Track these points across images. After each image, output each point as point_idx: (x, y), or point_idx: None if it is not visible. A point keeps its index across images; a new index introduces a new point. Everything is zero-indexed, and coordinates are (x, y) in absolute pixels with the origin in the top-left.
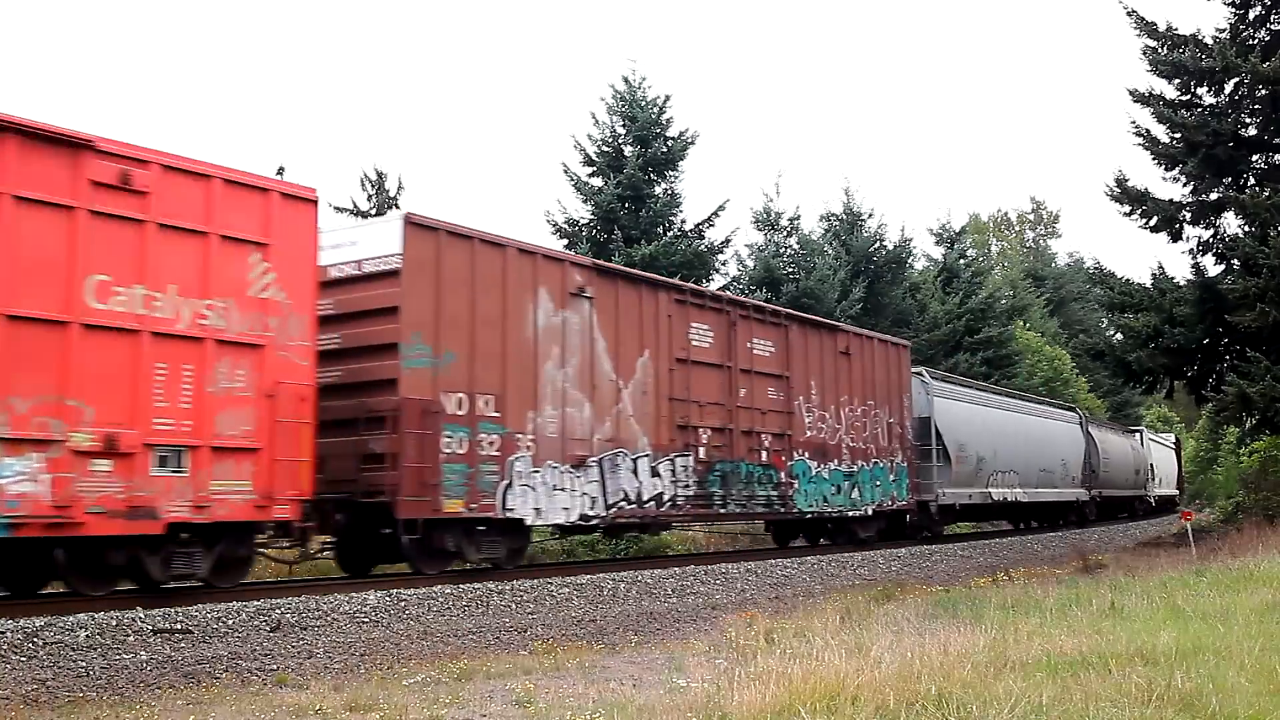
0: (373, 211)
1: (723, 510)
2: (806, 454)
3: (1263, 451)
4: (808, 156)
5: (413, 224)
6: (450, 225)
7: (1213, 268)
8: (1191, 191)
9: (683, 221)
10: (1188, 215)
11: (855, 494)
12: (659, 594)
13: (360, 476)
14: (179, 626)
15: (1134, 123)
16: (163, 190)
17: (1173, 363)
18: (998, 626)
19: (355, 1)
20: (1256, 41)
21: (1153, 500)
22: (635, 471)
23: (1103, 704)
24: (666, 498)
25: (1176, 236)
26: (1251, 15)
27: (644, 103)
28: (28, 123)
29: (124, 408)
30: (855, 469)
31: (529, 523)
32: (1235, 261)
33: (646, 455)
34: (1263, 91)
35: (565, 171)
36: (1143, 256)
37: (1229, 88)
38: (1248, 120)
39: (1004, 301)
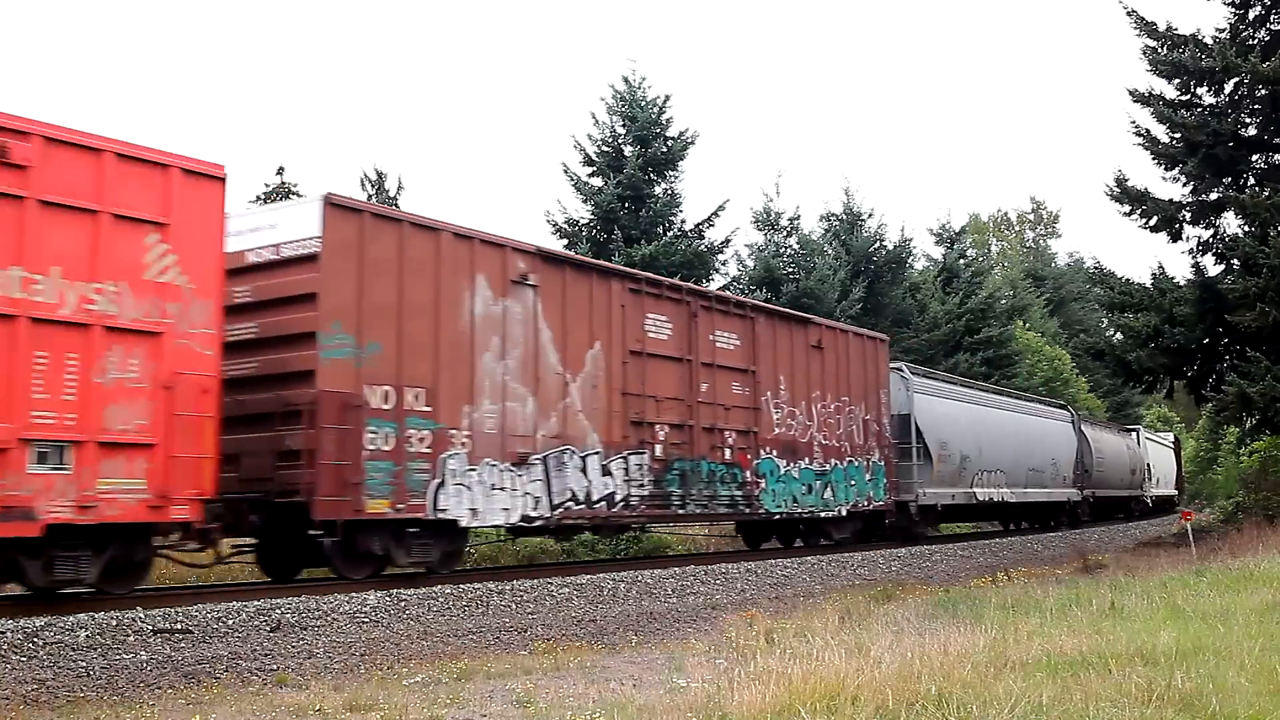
0: None
1: (682, 511)
2: (774, 452)
3: (1263, 451)
4: (808, 156)
5: (333, 205)
6: (376, 207)
7: (1213, 268)
8: (1191, 191)
9: (683, 221)
10: (1188, 215)
11: (828, 494)
12: (659, 594)
13: (276, 475)
14: (179, 626)
15: (1134, 123)
16: (46, 165)
17: (1173, 362)
18: (998, 626)
19: (355, 1)
20: (1256, 41)
21: (1150, 500)
22: (584, 470)
23: (1103, 704)
24: (619, 498)
25: (1176, 236)
26: (1251, 15)
27: (644, 103)
28: None
29: None
30: (828, 468)
31: (464, 524)
32: (1235, 261)
33: (597, 453)
34: (1263, 91)
35: (565, 171)
36: (1143, 256)
37: (1229, 88)
38: (1248, 120)
39: (1004, 301)
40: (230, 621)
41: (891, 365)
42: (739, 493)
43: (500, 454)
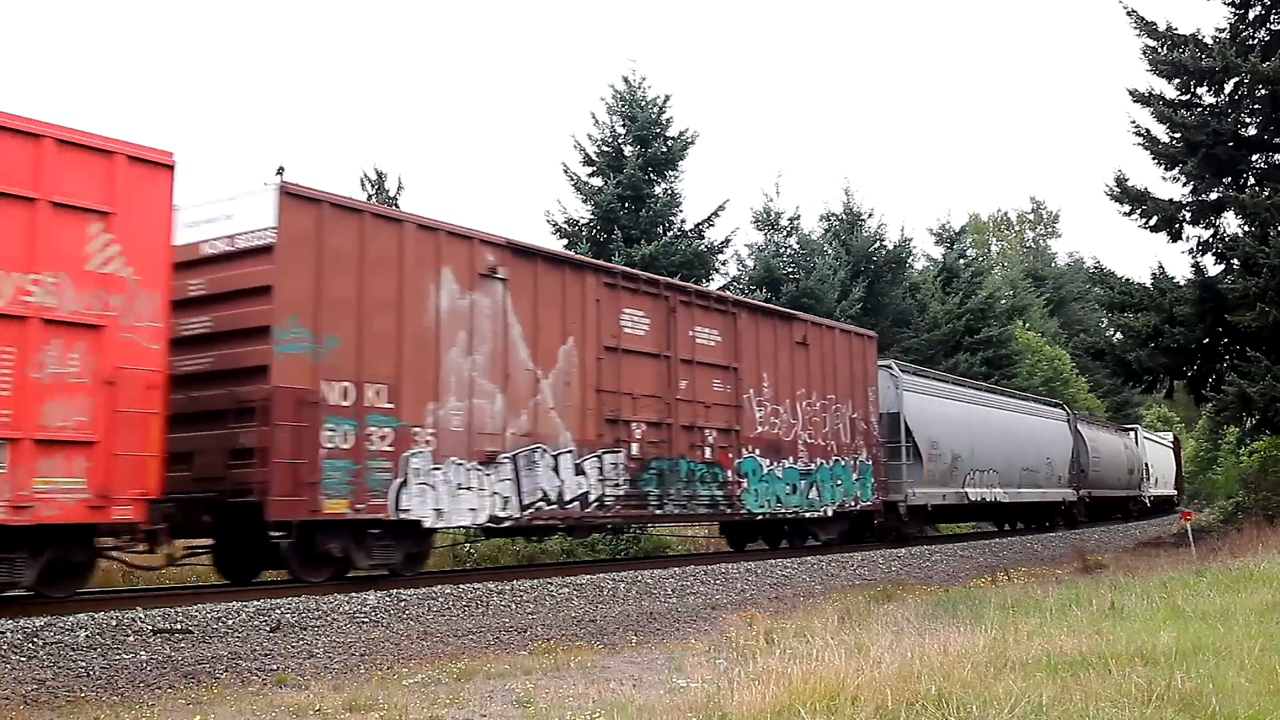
0: None
1: (659, 511)
2: (757, 451)
3: (1263, 451)
4: (808, 156)
5: (289, 194)
6: (335, 197)
7: (1213, 267)
8: (1191, 191)
9: (683, 221)
10: (1187, 215)
11: (813, 494)
12: (659, 594)
13: (228, 474)
14: (179, 626)
15: (1134, 122)
16: None
17: (1173, 362)
18: (998, 626)
19: (355, 2)
20: (1256, 41)
21: (1148, 501)
22: (556, 469)
23: (1103, 704)
24: (593, 498)
25: (1176, 236)
26: (1251, 15)
27: (644, 103)
28: None
29: None
30: (813, 467)
31: (428, 525)
32: (1235, 261)
33: (569, 451)
34: (1263, 91)
35: (565, 171)
36: (1143, 256)
37: (1229, 87)
38: (1248, 120)
39: (1004, 301)
40: (230, 621)
41: (880, 363)
42: (720, 493)
43: (467, 452)
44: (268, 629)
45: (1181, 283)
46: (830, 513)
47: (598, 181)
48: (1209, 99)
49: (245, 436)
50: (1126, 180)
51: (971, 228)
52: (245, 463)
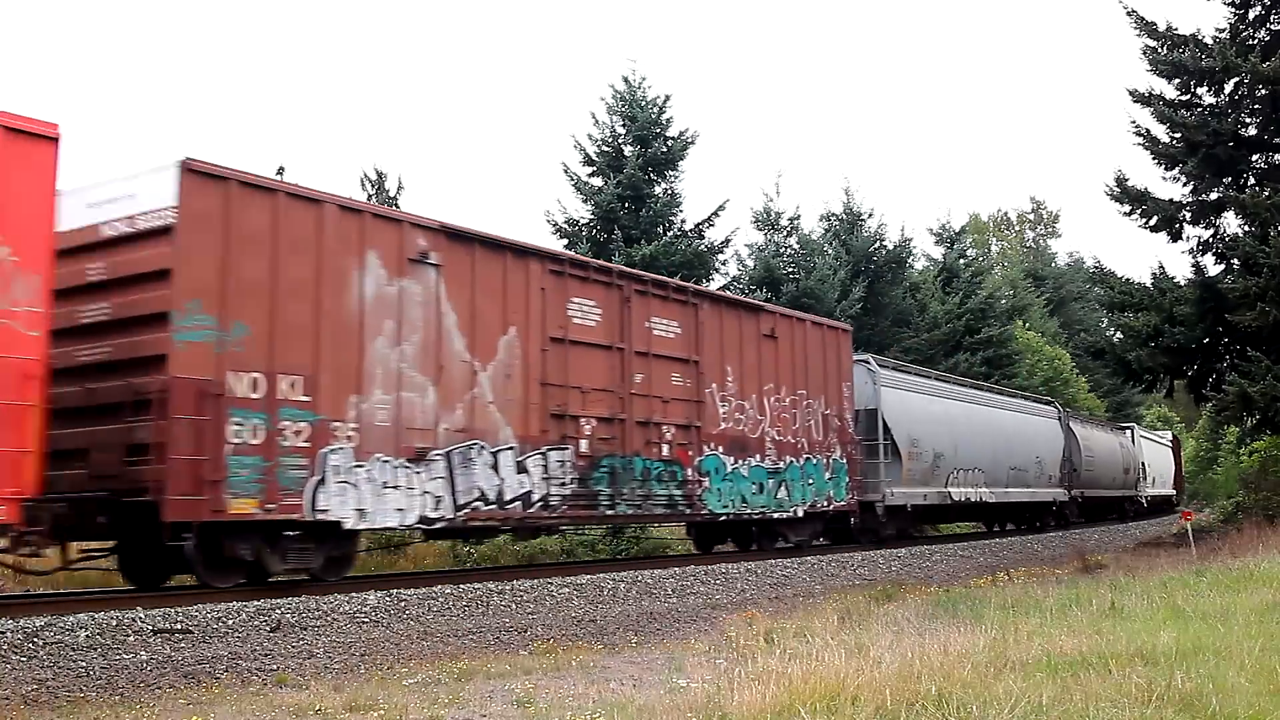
0: None
1: (610, 512)
2: (720, 448)
3: (1263, 451)
4: (808, 156)
5: (192, 171)
6: (244, 175)
7: (1213, 267)
8: (1191, 191)
9: (683, 221)
10: (1188, 215)
11: (782, 493)
12: (659, 594)
13: (124, 471)
14: (179, 626)
15: (1134, 122)
16: None
17: (1173, 362)
18: (998, 626)
19: (355, 2)
20: (1256, 41)
21: (1145, 501)
22: (495, 467)
23: (1103, 704)
24: (536, 497)
25: (1176, 236)
26: (1251, 15)
27: (644, 103)
28: None
29: None
30: (782, 465)
31: (349, 526)
32: (1235, 261)
33: (511, 448)
34: (1263, 91)
35: (565, 171)
36: (1143, 256)
37: (1229, 88)
38: (1248, 120)
39: (1004, 301)
40: (230, 621)
41: (857, 357)
42: (678, 492)
43: (394, 449)
44: (268, 629)
45: (1181, 283)
46: (801, 513)
47: (598, 181)
48: (1209, 99)
49: (142, 431)
50: (1126, 180)
51: (971, 228)
52: (142, 459)
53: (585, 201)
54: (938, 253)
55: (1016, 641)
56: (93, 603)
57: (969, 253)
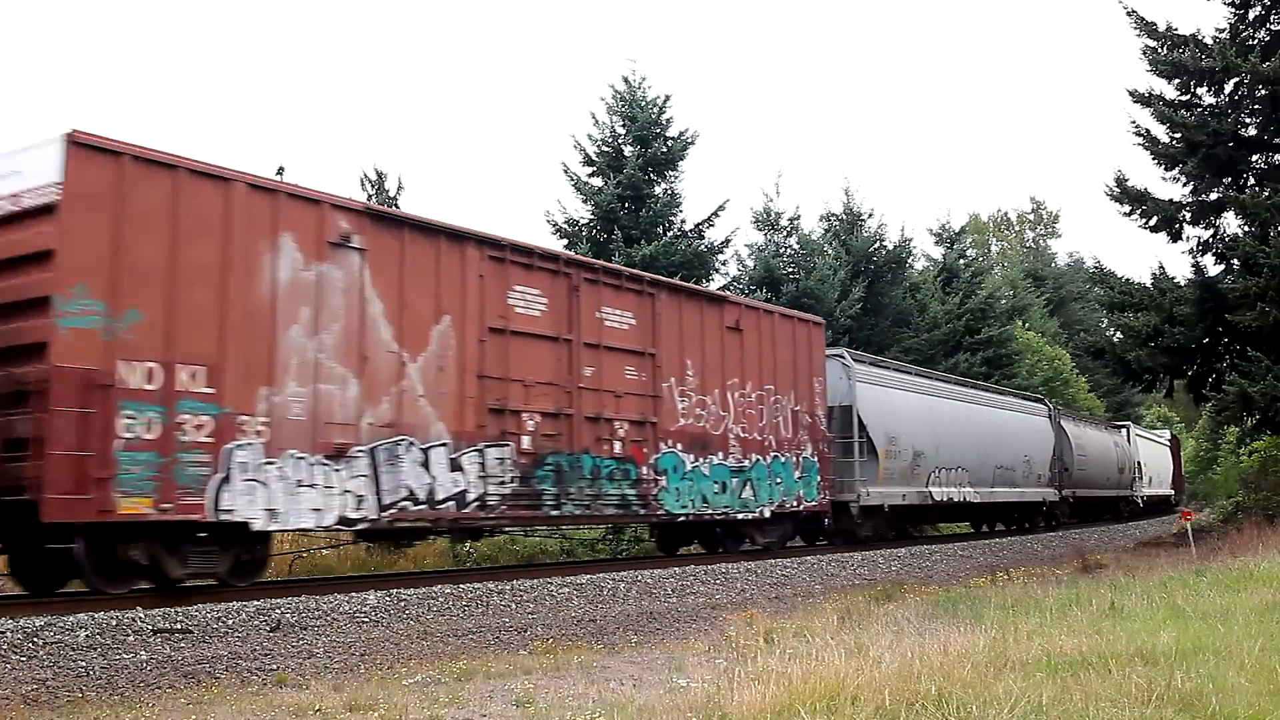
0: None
1: (556, 513)
2: (679, 446)
3: (1263, 451)
4: (808, 156)
5: (79, 145)
6: (140, 149)
7: (1213, 267)
8: (1191, 191)
9: (683, 221)
10: (1188, 215)
11: (746, 493)
12: (659, 594)
13: (3, 468)
14: (179, 626)
15: (1134, 123)
16: None
17: (1173, 362)
18: (998, 626)
19: (355, 2)
20: (1256, 41)
21: (1141, 501)
22: (426, 464)
23: (1103, 704)
24: (472, 497)
25: (1176, 236)
26: (1251, 15)
27: (644, 103)
28: None
29: None
30: (747, 464)
31: (258, 527)
32: (1235, 261)
33: (443, 445)
34: (1263, 91)
35: (565, 171)
36: (1143, 256)
37: (1229, 88)
38: (1248, 120)
39: (1004, 301)
40: (230, 621)
41: (831, 351)
42: (632, 491)
43: (310, 445)
44: (268, 629)
45: (1181, 283)
46: (768, 514)
47: (598, 181)
48: (1209, 99)
49: (22, 425)
50: (1126, 180)
51: (971, 228)
52: (21, 455)
53: (585, 202)
54: (937, 253)
55: (1016, 641)
56: (93, 603)
57: (969, 253)
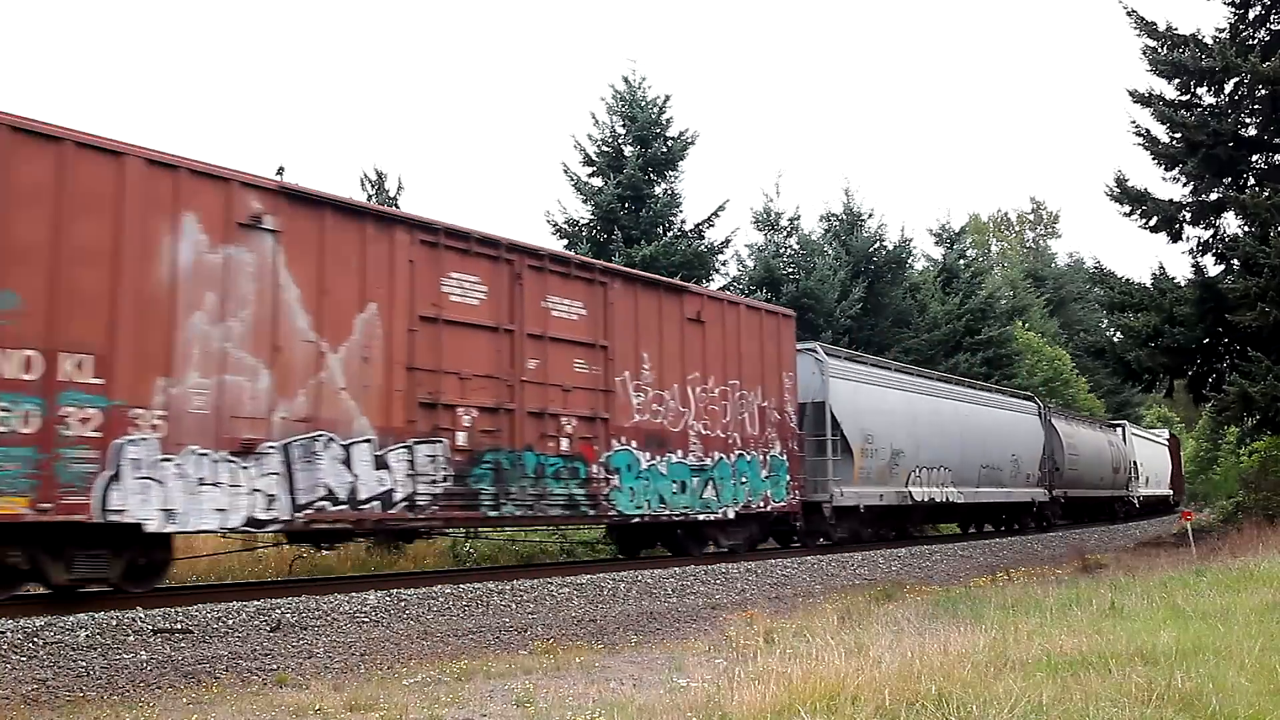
0: None
1: (494, 514)
2: (634, 443)
3: (1263, 451)
4: (808, 156)
5: None
6: (18, 119)
7: (1213, 267)
8: (1191, 191)
9: (683, 222)
10: (1188, 215)
11: (709, 493)
12: (659, 594)
13: None
14: (179, 626)
15: (1134, 123)
16: None
17: (1173, 362)
18: (998, 626)
19: (355, 2)
20: (1256, 41)
21: (1137, 501)
22: (348, 462)
23: (1103, 704)
24: (399, 497)
25: (1176, 236)
26: (1251, 15)
27: (644, 103)
28: None
29: None
30: (709, 462)
31: (153, 529)
32: (1235, 261)
33: (367, 441)
34: (1263, 91)
35: (565, 171)
36: (1143, 256)
37: (1229, 88)
38: (1248, 120)
39: (1004, 301)
40: (230, 621)
41: (804, 346)
42: (581, 491)
43: (214, 440)
44: (268, 629)
45: (1181, 283)
46: (732, 514)
47: (598, 182)
48: (1209, 99)
49: None
50: (1126, 180)
51: (971, 228)
52: None
53: (585, 202)
54: (937, 253)
55: (1016, 641)
56: (93, 603)
57: (969, 253)
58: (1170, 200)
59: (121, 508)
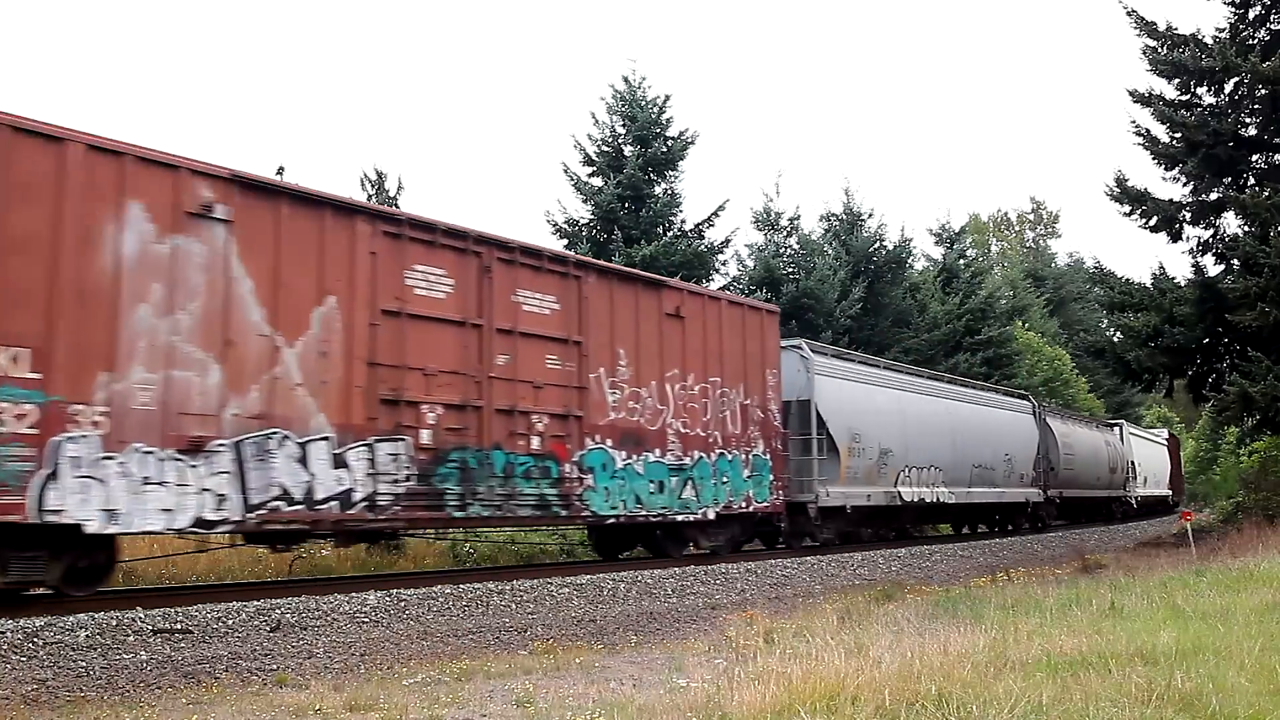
0: None
1: (460, 514)
2: (609, 441)
3: (1263, 451)
4: (808, 156)
5: None
6: None
7: (1213, 267)
8: (1191, 191)
9: (683, 221)
10: (1188, 215)
11: (688, 493)
12: (659, 594)
13: None
14: (179, 626)
15: (1134, 122)
16: None
17: (1173, 362)
18: (998, 626)
19: (355, 2)
20: (1256, 41)
21: (1134, 501)
22: (304, 460)
23: (1103, 704)
24: (359, 497)
25: (1176, 236)
26: (1251, 15)
27: (644, 103)
28: None
29: None
30: (688, 462)
31: (94, 530)
32: (1235, 261)
33: (325, 439)
34: (1263, 91)
35: (565, 171)
36: (1143, 256)
37: (1229, 87)
38: (1248, 120)
39: (1004, 301)
40: (230, 621)
41: (789, 342)
42: (552, 491)
43: (160, 438)
44: (268, 629)
45: (1181, 283)
46: (712, 515)
47: (598, 181)
48: (1209, 99)
49: None
50: (1126, 180)
51: (971, 228)
52: None
53: (585, 202)
54: (937, 253)
55: (1016, 641)
56: (93, 603)
57: (969, 253)
58: (1170, 200)
59: (59, 508)
